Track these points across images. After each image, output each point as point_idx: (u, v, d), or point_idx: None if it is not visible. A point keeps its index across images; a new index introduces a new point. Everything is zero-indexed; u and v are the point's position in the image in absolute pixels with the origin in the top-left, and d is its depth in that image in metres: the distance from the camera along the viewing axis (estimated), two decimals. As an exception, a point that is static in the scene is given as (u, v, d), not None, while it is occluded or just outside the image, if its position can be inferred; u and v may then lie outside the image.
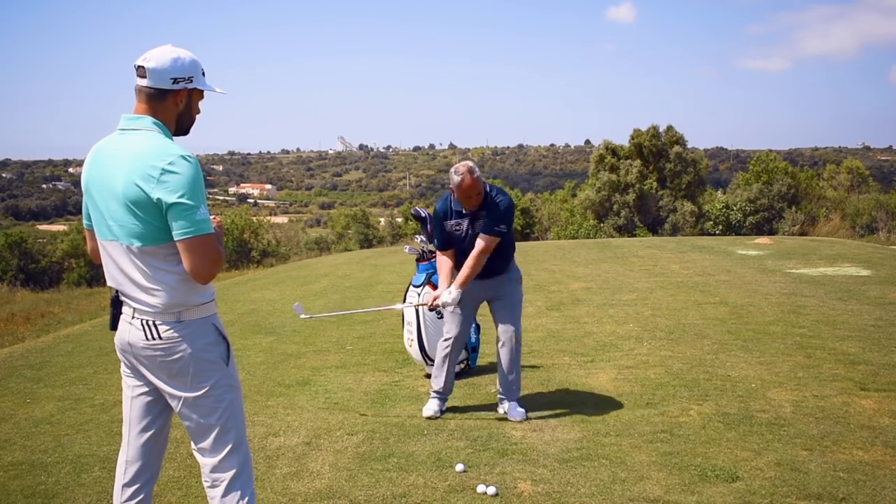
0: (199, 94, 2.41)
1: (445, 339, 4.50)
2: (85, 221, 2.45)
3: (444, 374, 4.48)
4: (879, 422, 4.03)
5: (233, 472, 2.37)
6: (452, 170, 4.27)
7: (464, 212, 4.34)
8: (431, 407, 4.46)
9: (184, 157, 2.20)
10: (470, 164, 4.24)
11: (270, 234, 34.19)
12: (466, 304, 4.46)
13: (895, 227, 21.30)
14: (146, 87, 2.29)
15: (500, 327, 4.43)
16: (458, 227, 4.36)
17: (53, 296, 17.64)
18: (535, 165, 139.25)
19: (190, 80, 2.32)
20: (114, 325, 2.39)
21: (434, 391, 4.51)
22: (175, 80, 2.30)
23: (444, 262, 4.45)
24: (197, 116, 2.44)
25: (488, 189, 4.33)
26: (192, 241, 2.19)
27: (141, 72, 2.28)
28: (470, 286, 4.35)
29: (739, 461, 3.57)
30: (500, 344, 4.44)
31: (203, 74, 2.38)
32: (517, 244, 4.68)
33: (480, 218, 4.30)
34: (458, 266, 4.38)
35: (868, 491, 3.21)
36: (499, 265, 4.40)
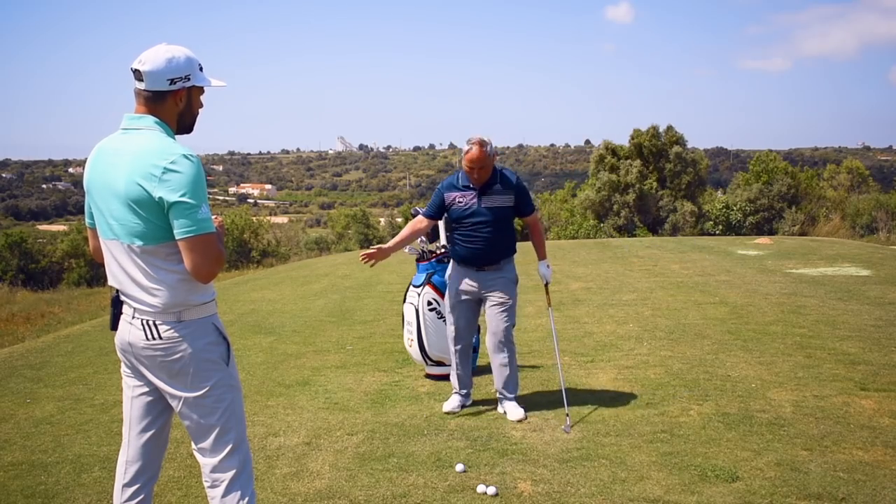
0: (199, 90, 2.39)
1: (456, 347, 4.56)
2: (87, 220, 2.45)
3: (455, 374, 4.58)
4: (879, 422, 4.03)
5: (233, 472, 2.37)
6: (467, 141, 4.27)
7: (472, 186, 4.31)
8: (452, 403, 4.55)
9: (186, 157, 2.20)
10: (484, 137, 4.24)
11: (270, 234, 34.18)
12: (465, 305, 4.47)
13: (895, 227, 21.29)
14: (144, 90, 2.28)
15: (492, 326, 4.41)
16: (461, 199, 4.31)
17: (53, 296, 17.62)
18: (535, 165, 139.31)
19: (187, 78, 2.31)
20: (114, 325, 2.39)
21: (454, 389, 4.61)
22: (172, 81, 2.28)
23: (418, 221, 4.50)
24: (200, 111, 2.43)
25: (499, 168, 4.38)
26: (193, 239, 2.19)
27: (137, 75, 2.27)
28: (467, 283, 4.38)
29: (739, 461, 3.57)
30: (490, 344, 4.44)
31: (201, 69, 2.36)
32: (518, 243, 4.67)
33: (492, 193, 4.30)
34: (460, 247, 4.38)
35: (868, 491, 3.21)
36: (498, 251, 4.35)
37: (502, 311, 4.38)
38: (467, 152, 4.21)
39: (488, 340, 4.44)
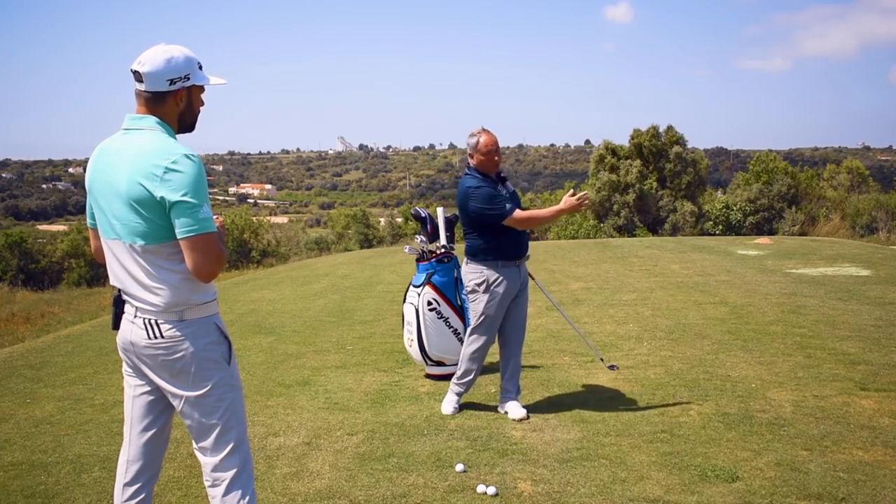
0: (200, 89, 2.40)
1: (475, 350, 4.37)
2: (89, 220, 2.46)
3: (470, 380, 4.47)
4: (879, 422, 4.03)
5: (234, 471, 2.37)
6: (469, 136, 4.26)
7: (493, 178, 4.28)
8: (451, 404, 4.49)
9: (187, 156, 2.20)
10: (480, 127, 4.27)
11: (270, 234, 34.16)
12: (505, 306, 4.31)
13: (895, 227, 21.28)
14: (144, 91, 2.29)
15: (516, 323, 4.41)
16: (502, 192, 4.26)
17: (53, 296, 17.62)
18: (535, 165, 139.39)
19: (187, 77, 2.32)
20: (116, 325, 2.39)
21: (457, 391, 4.51)
22: (172, 82, 2.29)
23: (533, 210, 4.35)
24: (201, 109, 2.43)
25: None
26: (194, 239, 2.19)
27: (137, 76, 2.28)
28: (514, 282, 4.27)
29: (739, 461, 3.57)
30: (507, 343, 4.44)
31: (200, 68, 2.36)
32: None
33: (507, 181, 4.34)
34: (511, 243, 4.24)
35: (868, 491, 3.21)
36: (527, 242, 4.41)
37: (526, 304, 4.44)
38: (479, 142, 4.20)
39: (511, 333, 4.41)
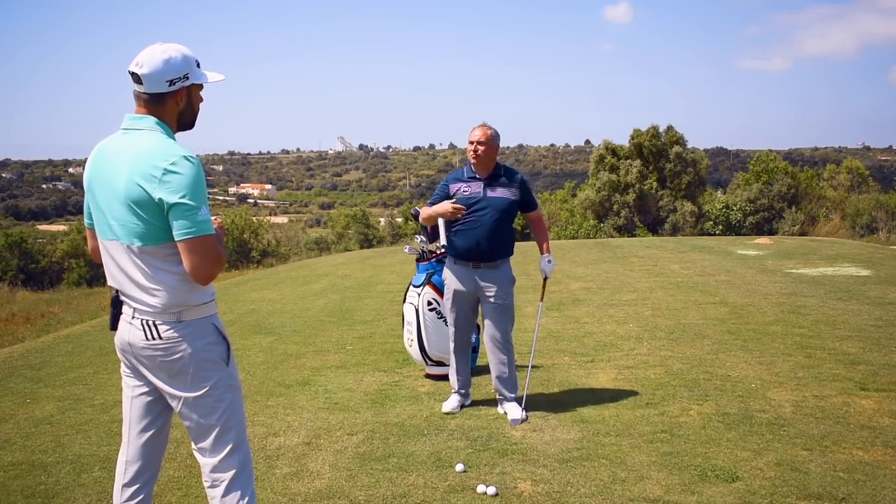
0: (199, 86, 2.38)
1: (451, 343, 4.57)
2: (86, 220, 2.45)
3: (454, 374, 4.57)
4: (879, 422, 4.03)
5: (233, 471, 2.37)
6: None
7: (478, 177, 4.33)
8: (451, 403, 4.54)
9: (186, 158, 2.20)
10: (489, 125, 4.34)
11: (270, 234, 34.20)
12: (464, 305, 4.44)
13: (895, 227, 21.28)
14: (143, 93, 2.28)
15: (490, 328, 4.39)
16: (466, 189, 4.30)
17: (53, 296, 17.62)
18: (535, 165, 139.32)
19: (186, 77, 2.30)
20: (114, 325, 2.39)
21: (454, 390, 4.60)
22: (171, 82, 2.27)
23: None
24: (200, 107, 2.42)
25: (503, 164, 4.44)
26: (192, 241, 2.18)
27: (136, 78, 2.26)
28: (464, 282, 4.34)
29: (739, 461, 3.57)
30: (489, 345, 4.43)
31: (198, 66, 2.35)
32: (518, 244, 4.67)
33: (498, 185, 4.32)
34: (460, 242, 4.31)
35: (868, 491, 3.21)
36: (498, 247, 4.31)
37: (501, 313, 4.36)
38: (471, 133, 4.30)
39: (487, 342, 4.43)
